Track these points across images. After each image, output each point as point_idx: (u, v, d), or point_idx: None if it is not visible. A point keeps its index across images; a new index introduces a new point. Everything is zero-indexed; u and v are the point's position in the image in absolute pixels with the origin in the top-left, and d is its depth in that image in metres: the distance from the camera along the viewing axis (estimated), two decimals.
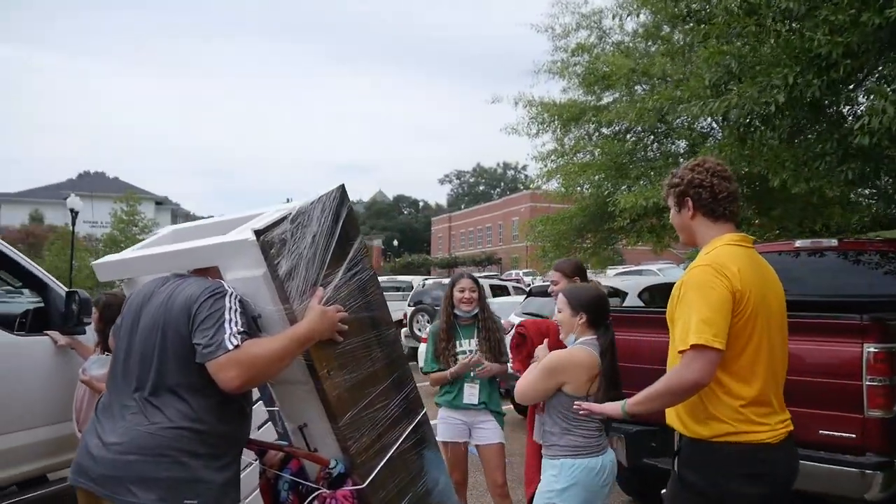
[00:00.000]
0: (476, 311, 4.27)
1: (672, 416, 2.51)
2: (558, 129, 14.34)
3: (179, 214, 58.41)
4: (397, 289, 16.88)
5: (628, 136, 13.30)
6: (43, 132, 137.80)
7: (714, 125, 11.31)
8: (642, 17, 12.91)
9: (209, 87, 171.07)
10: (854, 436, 3.55)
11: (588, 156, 13.94)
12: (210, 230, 2.79)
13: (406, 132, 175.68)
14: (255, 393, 3.43)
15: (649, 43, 13.62)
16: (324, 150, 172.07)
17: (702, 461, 2.38)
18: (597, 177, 13.18)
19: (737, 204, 2.52)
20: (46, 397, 4.28)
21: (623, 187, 12.62)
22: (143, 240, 3.12)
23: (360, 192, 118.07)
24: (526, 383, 3.08)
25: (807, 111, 6.84)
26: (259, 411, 3.51)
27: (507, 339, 4.34)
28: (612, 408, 2.65)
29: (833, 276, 5.62)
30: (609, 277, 14.39)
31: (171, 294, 2.30)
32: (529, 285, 15.49)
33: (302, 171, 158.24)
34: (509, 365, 4.25)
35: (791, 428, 2.43)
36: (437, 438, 3.59)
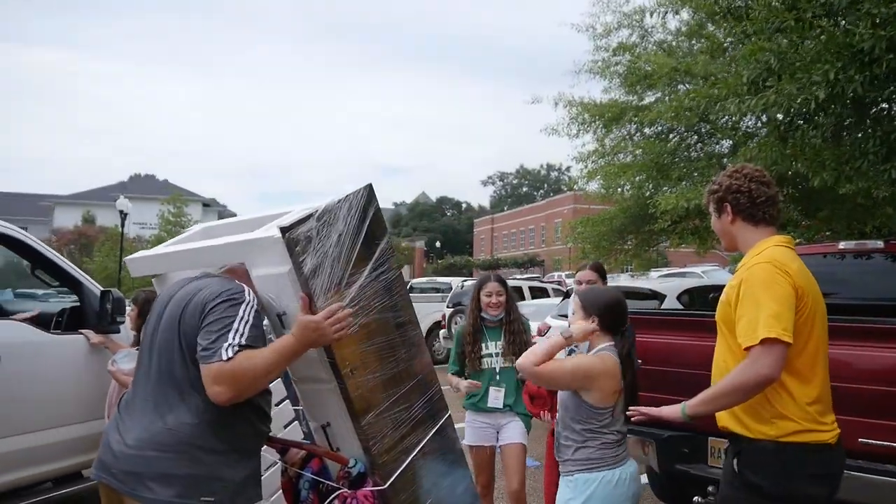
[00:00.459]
0: (502, 314, 4.19)
1: (727, 419, 2.47)
2: (599, 130, 14.20)
3: (226, 216, 59.23)
4: (436, 290, 16.81)
5: (671, 136, 13.11)
6: (96, 136, 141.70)
7: (759, 124, 11.05)
8: (685, 15, 12.70)
9: (256, 90, 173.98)
10: None
11: (629, 156, 13.79)
12: (240, 227, 2.82)
13: (449, 133, 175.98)
14: (282, 392, 3.46)
15: (693, 41, 13.40)
16: (367, 152, 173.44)
17: (768, 462, 2.34)
18: (637, 178, 13.01)
19: (776, 208, 2.56)
20: (80, 395, 4.36)
21: (664, 188, 12.44)
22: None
23: (402, 194, 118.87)
24: (550, 370, 2.76)
25: (850, 109, 6.63)
26: (286, 410, 3.53)
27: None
28: (671, 411, 2.49)
29: (879, 278, 5.42)
30: (650, 279, 14.18)
31: (193, 292, 2.31)
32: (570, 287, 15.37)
33: (346, 173, 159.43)
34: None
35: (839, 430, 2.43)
36: (463, 442, 3.57)
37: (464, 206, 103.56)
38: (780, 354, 2.24)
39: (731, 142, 12.00)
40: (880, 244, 5.56)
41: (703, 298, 8.38)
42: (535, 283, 16.75)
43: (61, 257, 4.71)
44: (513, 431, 4.15)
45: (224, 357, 2.10)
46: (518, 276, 27.26)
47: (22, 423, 4.02)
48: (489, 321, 4.21)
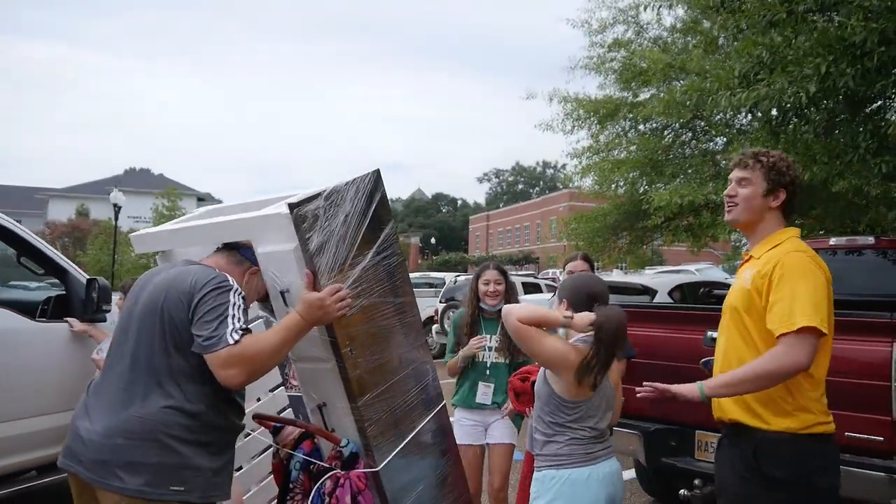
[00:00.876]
0: (501, 305, 3.93)
1: (738, 411, 2.42)
2: (594, 126, 14.20)
3: None
4: (430, 285, 16.82)
5: (665, 133, 13.10)
6: (91, 129, 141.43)
7: (752, 119, 11.05)
8: (680, 11, 12.70)
9: (252, 86, 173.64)
10: (882, 439, 3.40)
11: (623, 153, 13.78)
12: (241, 210, 2.82)
13: (445, 131, 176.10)
14: (277, 378, 3.44)
15: (688, 38, 13.40)
16: (363, 149, 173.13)
17: (789, 454, 2.32)
18: (631, 174, 13.01)
19: None
20: (65, 383, 4.31)
21: (658, 185, 12.44)
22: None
23: (398, 191, 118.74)
24: (530, 331, 2.54)
25: (841, 104, 6.63)
26: (280, 396, 3.52)
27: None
28: (688, 389, 2.39)
29: (869, 274, 5.43)
30: (642, 275, 14.20)
31: (174, 278, 2.27)
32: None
33: (342, 169, 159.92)
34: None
35: None
36: None
37: (459, 202, 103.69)
38: (815, 344, 2.24)
39: (725, 139, 12.00)
40: (871, 241, 5.58)
41: (694, 294, 8.39)
42: (529, 279, 16.70)
43: (46, 244, 4.67)
44: (501, 430, 3.99)
45: (231, 341, 2.11)
46: (512, 273, 27.22)
47: (6, 411, 3.99)
48: (487, 311, 4.06)
